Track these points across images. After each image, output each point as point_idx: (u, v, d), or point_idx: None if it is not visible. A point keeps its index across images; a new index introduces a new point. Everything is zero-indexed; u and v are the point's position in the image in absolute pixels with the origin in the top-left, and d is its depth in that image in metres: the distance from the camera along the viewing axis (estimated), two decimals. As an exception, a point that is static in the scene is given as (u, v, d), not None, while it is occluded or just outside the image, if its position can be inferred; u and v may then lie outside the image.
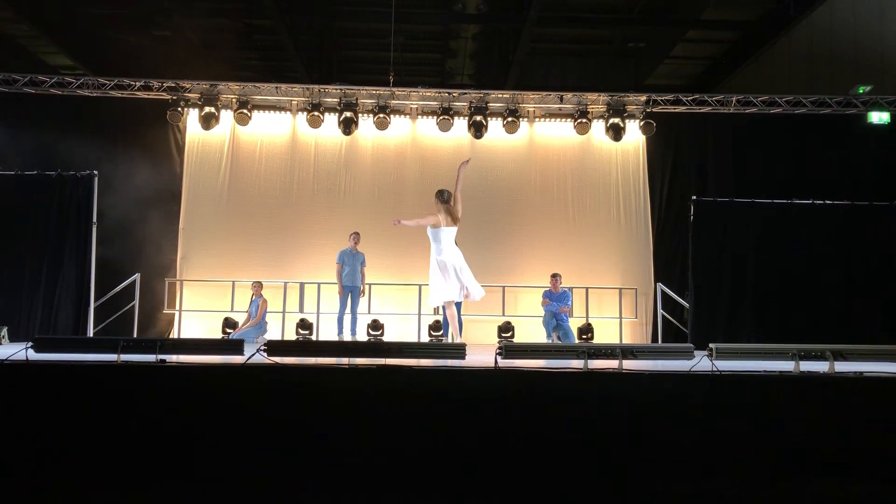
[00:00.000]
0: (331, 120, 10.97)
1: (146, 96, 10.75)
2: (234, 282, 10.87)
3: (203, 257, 11.11)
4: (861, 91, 11.12)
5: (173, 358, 6.02)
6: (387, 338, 10.09)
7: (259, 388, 5.54)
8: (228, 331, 10.15)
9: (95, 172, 9.91)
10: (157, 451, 5.23)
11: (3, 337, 8.19)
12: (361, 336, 10.07)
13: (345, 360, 6.16)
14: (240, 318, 10.33)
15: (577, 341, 9.96)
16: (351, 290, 9.93)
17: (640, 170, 11.49)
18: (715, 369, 5.70)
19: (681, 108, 11.04)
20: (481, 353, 6.83)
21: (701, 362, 5.86)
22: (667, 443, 5.32)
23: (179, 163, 11.22)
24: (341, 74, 15.32)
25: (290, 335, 10.29)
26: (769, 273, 9.99)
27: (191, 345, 7.16)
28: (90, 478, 5.13)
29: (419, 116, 11.42)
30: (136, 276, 10.35)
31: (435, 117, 11.04)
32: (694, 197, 10.23)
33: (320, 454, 5.24)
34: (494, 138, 11.22)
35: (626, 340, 10.83)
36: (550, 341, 9.88)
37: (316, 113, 10.78)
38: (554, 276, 10.15)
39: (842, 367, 5.86)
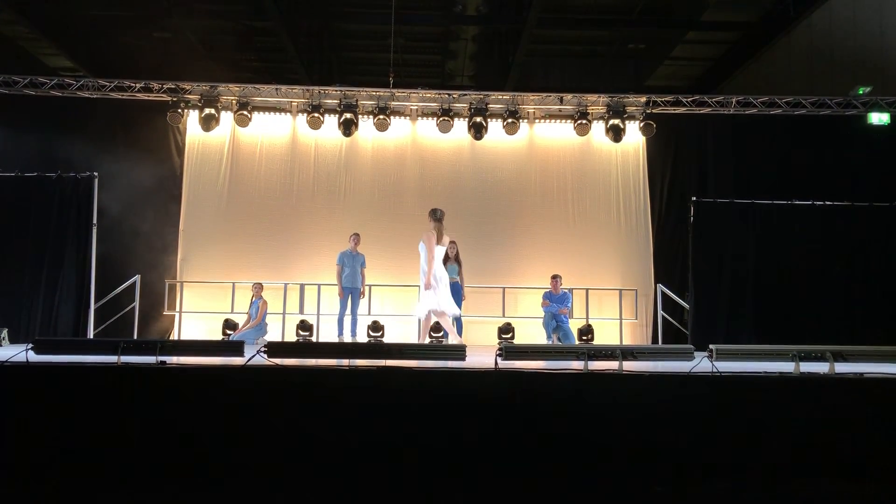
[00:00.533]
0: (331, 121, 10.97)
1: (146, 98, 10.75)
2: (234, 283, 10.87)
3: (203, 259, 11.10)
4: (861, 92, 11.12)
5: (173, 359, 6.02)
6: (387, 339, 10.08)
7: (259, 389, 5.54)
8: (229, 332, 10.15)
9: (95, 174, 9.90)
10: (156, 452, 5.23)
11: (3, 338, 8.21)
12: (362, 337, 10.07)
13: (345, 362, 6.16)
14: (240, 320, 10.33)
15: (577, 342, 9.96)
16: (351, 291, 9.93)
17: (640, 171, 11.49)
18: (715, 370, 5.71)
19: (681, 110, 11.04)
20: (481, 354, 6.83)
21: (701, 363, 5.86)
22: (667, 444, 5.32)
23: (179, 164, 11.22)
24: (341, 76, 15.32)
25: (291, 336, 10.29)
26: (769, 274, 9.99)
27: (191, 346, 7.16)
28: (90, 479, 5.13)
29: (419, 118, 11.43)
30: (137, 278, 10.34)
31: (435, 119, 11.04)
32: (694, 198, 10.23)
33: (320, 455, 5.24)
34: (494, 139, 11.22)
35: (627, 341, 10.82)
36: (550, 342, 9.88)
37: (316, 114, 10.78)
38: (554, 277, 10.15)
39: (842, 368, 5.86)
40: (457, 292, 9.63)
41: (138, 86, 10.60)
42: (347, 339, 9.83)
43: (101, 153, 10.45)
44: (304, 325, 10.08)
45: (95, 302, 9.87)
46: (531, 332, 10.60)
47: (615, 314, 10.99)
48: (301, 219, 11.29)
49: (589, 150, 11.56)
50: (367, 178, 11.42)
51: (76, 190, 9.87)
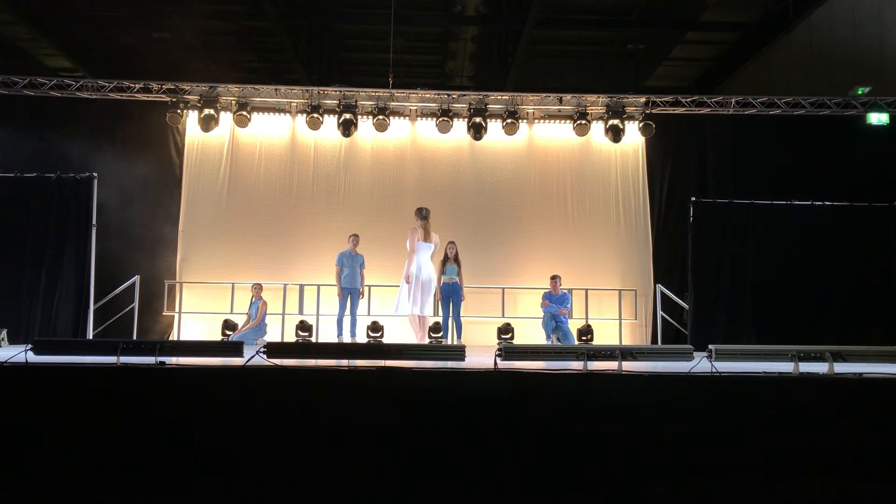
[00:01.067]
0: (330, 122, 10.96)
1: (146, 98, 10.75)
2: (233, 284, 10.87)
3: (203, 259, 11.10)
4: (860, 92, 11.13)
5: (173, 360, 6.02)
6: (386, 339, 10.08)
7: (259, 390, 5.54)
8: (228, 333, 10.15)
9: (95, 174, 9.90)
10: (156, 453, 5.23)
11: (3, 339, 8.21)
12: (361, 338, 10.07)
13: (344, 362, 6.16)
14: (239, 320, 10.33)
15: (576, 343, 9.95)
16: (350, 291, 9.93)
17: (639, 171, 11.48)
18: (714, 371, 5.71)
19: (680, 110, 11.04)
20: (481, 354, 6.83)
21: (700, 364, 5.87)
22: (666, 444, 5.32)
23: (179, 165, 11.21)
24: (341, 76, 15.32)
25: (290, 337, 10.29)
26: (769, 274, 10.00)
27: (190, 347, 7.16)
28: (90, 480, 5.13)
29: (418, 118, 11.42)
30: (136, 279, 10.34)
31: (434, 119, 11.04)
32: (693, 198, 10.23)
33: (320, 455, 5.24)
34: (494, 140, 11.22)
35: (626, 342, 10.82)
36: (550, 343, 9.88)
37: (315, 115, 10.77)
38: (553, 277, 10.15)
39: (841, 368, 5.87)
40: (456, 292, 9.67)
41: (138, 86, 10.60)
42: (347, 339, 9.82)
43: (100, 154, 10.46)
44: (303, 326, 10.08)
45: (95, 302, 9.86)
46: (531, 333, 10.60)
47: (614, 314, 10.99)
48: (300, 219, 11.28)
49: (588, 151, 11.55)
50: (366, 178, 11.42)
51: (75, 190, 9.86)
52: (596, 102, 11.03)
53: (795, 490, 5.16)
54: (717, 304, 10.01)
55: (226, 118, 11.08)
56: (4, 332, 8.30)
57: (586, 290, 10.99)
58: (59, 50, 13.99)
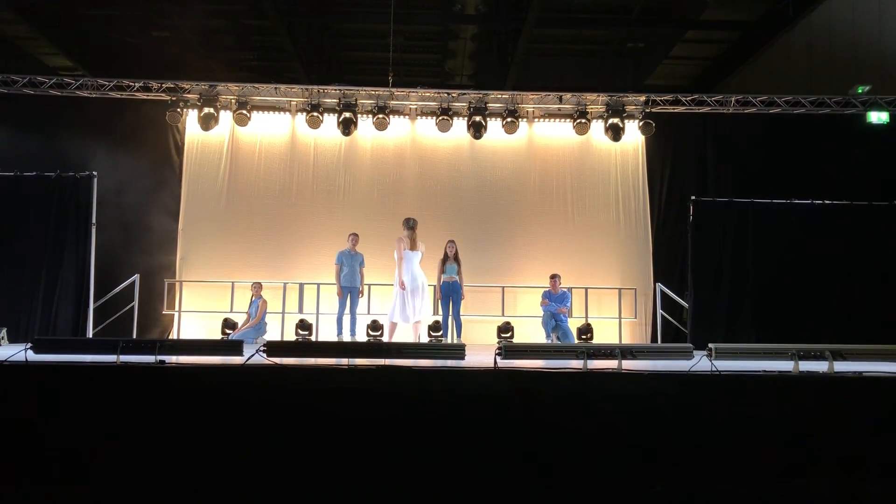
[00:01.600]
0: (330, 120, 10.96)
1: (145, 97, 10.74)
2: (233, 282, 10.86)
3: (202, 258, 11.10)
4: (860, 91, 11.12)
5: (173, 359, 6.02)
6: (386, 338, 10.08)
7: (258, 388, 5.54)
8: (228, 331, 10.13)
9: (94, 173, 9.90)
10: (156, 452, 5.23)
11: (3, 338, 8.20)
12: (361, 337, 10.06)
13: (344, 361, 6.16)
14: (239, 319, 10.32)
15: (576, 342, 9.94)
16: (350, 290, 9.92)
17: (639, 170, 11.48)
18: (714, 369, 5.71)
19: (680, 109, 11.03)
20: (481, 353, 6.83)
21: (700, 362, 5.87)
22: (666, 442, 5.33)
23: (179, 164, 11.21)
24: (340, 75, 15.33)
25: (290, 336, 10.28)
26: (768, 273, 9.99)
27: (190, 346, 7.17)
28: (89, 479, 5.13)
29: (418, 117, 11.41)
30: (136, 277, 10.34)
31: (434, 118, 11.03)
32: (693, 197, 10.23)
33: (319, 454, 5.24)
34: (493, 139, 11.21)
35: (626, 341, 10.82)
36: (550, 342, 9.87)
37: (315, 113, 10.77)
38: (553, 276, 10.15)
39: (841, 366, 5.87)
40: (456, 291, 9.68)
41: (137, 85, 10.59)
42: (346, 338, 9.82)
43: (100, 152, 10.46)
44: (303, 325, 10.07)
45: (94, 301, 9.86)
46: (530, 332, 10.59)
47: (614, 313, 10.99)
48: (300, 218, 11.28)
49: (588, 150, 11.55)
50: (366, 177, 11.42)
51: (75, 189, 9.86)
52: (596, 101, 11.03)
53: (796, 489, 5.17)
54: (717, 303, 10.01)
55: (225, 117, 11.07)
56: (4, 330, 8.29)
57: (586, 288, 10.99)
58: (59, 49, 13.99)
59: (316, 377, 5.72)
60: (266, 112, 11.31)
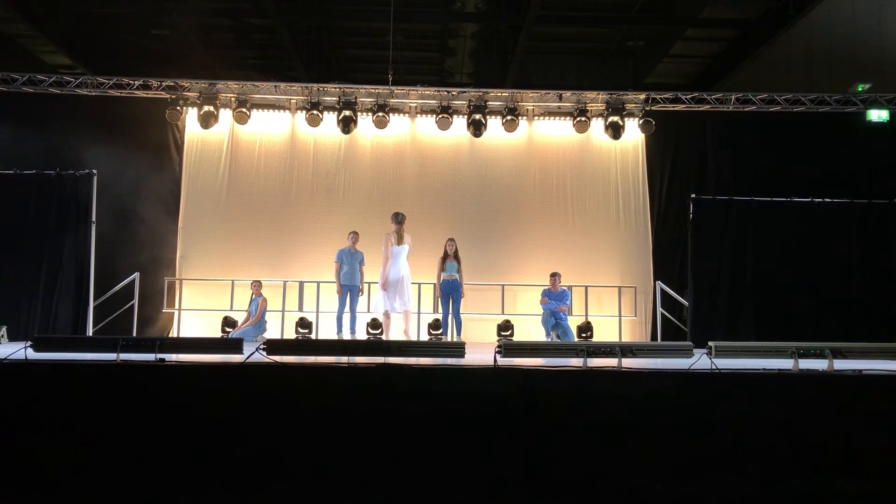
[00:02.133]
0: (330, 119, 10.96)
1: (145, 95, 10.74)
2: (233, 281, 10.87)
3: (202, 256, 11.10)
4: (860, 89, 11.12)
5: (172, 357, 6.02)
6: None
7: (258, 387, 5.54)
8: (228, 330, 10.14)
9: (94, 171, 9.91)
10: (155, 451, 5.23)
11: (3, 336, 8.20)
12: (361, 335, 10.06)
13: (344, 359, 6.16)
14: (239, 317, 10.33)
15: (576, 340, 9.95)
16: (350, 289, 9.92)
17: (639, 168, 11.48)
18: (714, 367, 5.71)
19: (680, 107, 11.03)
20: (481, 351, 6.83)
21: (700, 360, 5.87)
22: (666, 440, 5.33)
23: (178, 162, 11.21)
24: (340, 73, 15.31)
25: (290, 334, 10.29)
26: (768, 271, 10.00)
27: (190, 344, 7.16)
28: (89, 478, 5.13)
29: (418, 115, 11.42)
30: (136, 276, 10.34)
31: (434, 116, 11.02)
32: (693, 195, 10.23)
33: (319, 452, 5.24)
34: (493, 137, 11.20)
35: (626, 339, 10.83)
36: (549, 340, 9.88)
37: (315, 112, 10.77)
38: (553, 275, 10.15)
39: (841, 365, 5.86)
40: (456, 289, 9.68)
41: (137, 83, 10.59)
42: (346, 336, 9.82)
43: (99, 151, 10.44)
44: (303, 323, 10.07)
45: (94, 299, 9.87)
46: (530, 330, 10.60)
47: (614, 311, 10.99)
48: (300, 216, 11.28)
49: (588, 148, 11.55)
50: (366, 175, 11.42)
51: (75, 187, 9.88)
52: (596, 99, 11.02)
53: (795, 487, 5.17)
54: (717, 301, 10.02)
55: (225, 115, 11.08)
56: (4, 328, 8.29)
57: (586, 286, 11.00)
58: (59, 47, 13.94)
59: (316, 375, 5.72)
60: (266, 110, 11.32)
